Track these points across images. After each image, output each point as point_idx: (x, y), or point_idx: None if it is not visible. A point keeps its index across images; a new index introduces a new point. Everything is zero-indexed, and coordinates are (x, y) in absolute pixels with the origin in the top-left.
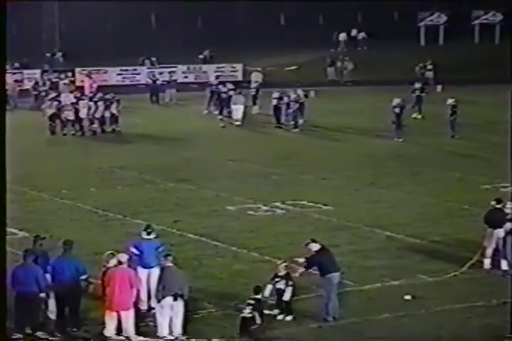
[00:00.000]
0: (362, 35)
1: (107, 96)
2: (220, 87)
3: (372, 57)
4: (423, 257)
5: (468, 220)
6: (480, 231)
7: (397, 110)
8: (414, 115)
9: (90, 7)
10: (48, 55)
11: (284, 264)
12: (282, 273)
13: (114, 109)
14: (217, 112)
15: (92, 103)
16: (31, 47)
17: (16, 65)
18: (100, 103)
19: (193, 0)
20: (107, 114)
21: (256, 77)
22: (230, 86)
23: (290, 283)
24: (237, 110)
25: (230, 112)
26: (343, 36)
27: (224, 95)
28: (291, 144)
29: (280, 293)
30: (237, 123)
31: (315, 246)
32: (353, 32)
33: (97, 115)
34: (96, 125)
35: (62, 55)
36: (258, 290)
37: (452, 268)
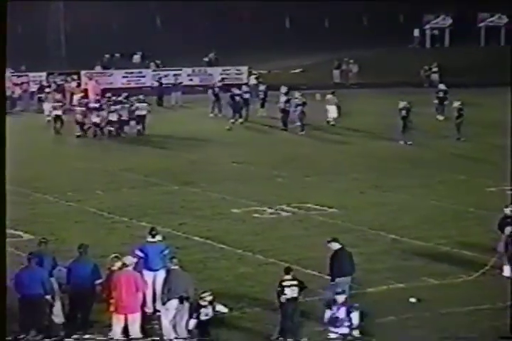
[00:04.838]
0: (435, 32)
1: (114, 99)
2: (233, 89)
3: (377, 59)
4: (428, 260)
5: (474, 223)
6: (485, 234)
7: (403, 113)
8: (439, 117)
9: (96, 9)
10: (107, 56)
11: (208, 293)
12: (206, 302)
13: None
14: (221, 115)
15: (98, 106)
16: (36, 48)
17: (22, 67)
18: (106, 106)
19: (198, 1)
20: (114, 117)
21: (251, 81)
22: (245, 88)
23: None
24: (331, 110)
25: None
26: (417, 32)
27: (237, 98)
28: (297, 147)
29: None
30: (332, 123)
31: (335, 246)
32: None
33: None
34: (103, 128)
35: (141, 56)
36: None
37: (457, 270)
